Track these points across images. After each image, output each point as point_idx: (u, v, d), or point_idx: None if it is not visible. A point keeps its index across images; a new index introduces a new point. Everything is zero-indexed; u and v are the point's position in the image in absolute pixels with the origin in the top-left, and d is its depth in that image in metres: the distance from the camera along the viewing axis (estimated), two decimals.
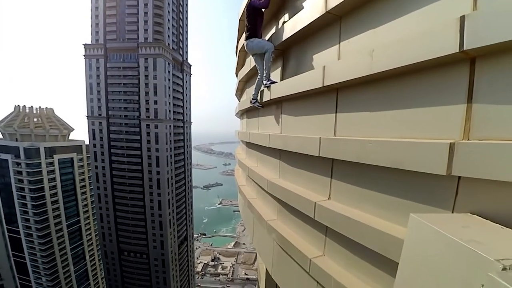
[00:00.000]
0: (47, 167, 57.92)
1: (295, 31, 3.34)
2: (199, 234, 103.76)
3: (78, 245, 66.29)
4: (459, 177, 1.58)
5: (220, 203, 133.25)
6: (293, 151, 3.38)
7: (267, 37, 4.13)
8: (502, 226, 1.33)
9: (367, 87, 2.36)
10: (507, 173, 1.31)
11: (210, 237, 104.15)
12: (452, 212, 1.64)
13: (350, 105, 2.59)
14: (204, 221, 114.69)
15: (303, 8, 3.26)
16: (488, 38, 1.39)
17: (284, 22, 3.85)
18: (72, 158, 64.53)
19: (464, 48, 1.48)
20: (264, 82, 4.11)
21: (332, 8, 2.64)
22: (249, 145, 5.80)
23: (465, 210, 1.57)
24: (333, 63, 2.71)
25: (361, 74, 2.23)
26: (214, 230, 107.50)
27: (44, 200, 57.43)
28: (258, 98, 4.44)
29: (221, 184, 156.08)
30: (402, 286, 1.38)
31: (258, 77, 4.30)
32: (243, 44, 4.43)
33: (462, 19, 1.49)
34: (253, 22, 4.07)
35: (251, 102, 4.60)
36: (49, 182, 58.25)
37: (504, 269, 0.89)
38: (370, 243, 2.09)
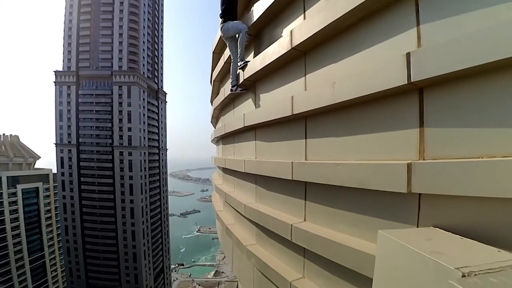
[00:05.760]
0: (9, 197, 53.08)
1: (264, 65, 3.54)
2: (177, 265, 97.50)
3: (42, 282, 59.92)
4: (420, 194, 1.72)
5: (198, 230, 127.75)
6: (268, 176, 3.48)
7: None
8: (461, 237, 1.43)
9: (332, 114, 2.56)
10: (459, 188, 1.45)
11: (188, 267, 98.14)
12: (417, 227, 1.75)
13: (318, 131, 2.77)
14: (181, 250, 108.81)
15: (271, 43, 3.48)
16: (431, 71, 1.60)
17: (254, 56, 4.05)
18: (37, 188, 59.90)
19: (412, 80, 1.68)
20: (239, 63, 4.17)
21: (297, 45, 2.88)
22: (226, 170, 5.82)
23: (428, 224, 1.67)
24: (300, 93, 2.92)
25: (325, 103, 2.42)
26: (193, 260, 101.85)
27: (5, 233, 52.06)
28: (237, 82, 4.42)
29: (199, 211, 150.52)
30: None
31: (232, 62, 4.34)
32: (217, 40, 4.52)
33: (408, 55, 1.70)
34: (230, 5, 4.16)
35: (231, 90, 4.53)
36: (10, 214, 53.12)
37: (463, 276, 0.97)
38: (345, 261, 2.16)
